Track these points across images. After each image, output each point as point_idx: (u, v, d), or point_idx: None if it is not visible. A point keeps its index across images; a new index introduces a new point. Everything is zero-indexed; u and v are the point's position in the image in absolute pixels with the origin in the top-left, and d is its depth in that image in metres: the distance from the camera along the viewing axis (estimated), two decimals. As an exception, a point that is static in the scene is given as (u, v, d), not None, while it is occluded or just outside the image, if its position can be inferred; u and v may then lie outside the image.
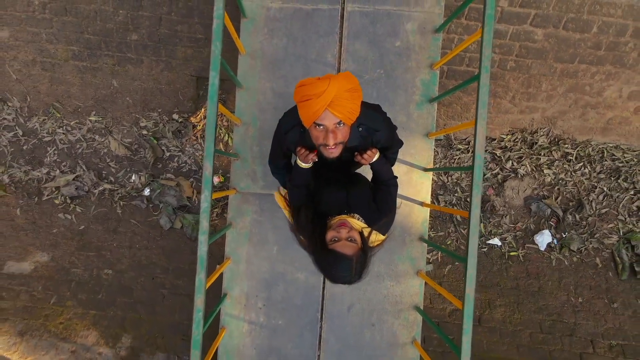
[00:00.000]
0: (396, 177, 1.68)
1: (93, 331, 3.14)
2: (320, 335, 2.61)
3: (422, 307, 2.61)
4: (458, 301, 1.98)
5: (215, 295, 2.72)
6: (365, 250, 1.40)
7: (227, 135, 3.63)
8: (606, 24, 3.08)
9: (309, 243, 1.46)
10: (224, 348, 2.59)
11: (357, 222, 1.47)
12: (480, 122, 1.89)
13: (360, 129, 1.51)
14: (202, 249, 1.88)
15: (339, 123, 1.34)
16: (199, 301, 1.89)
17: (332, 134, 1.34)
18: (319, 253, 1.41)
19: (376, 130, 1.53)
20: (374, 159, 1.55)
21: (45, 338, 3.08)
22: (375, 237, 1.54)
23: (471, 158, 3.62)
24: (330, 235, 1.42)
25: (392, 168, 1.78)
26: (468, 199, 3.66)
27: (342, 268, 1.36)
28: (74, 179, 3.70)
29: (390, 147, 1.69)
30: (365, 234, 1.48)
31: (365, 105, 1.52)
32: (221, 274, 2.59)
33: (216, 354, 2.61)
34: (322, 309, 2.62)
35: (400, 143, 1.80)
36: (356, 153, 1.55)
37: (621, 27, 3.09)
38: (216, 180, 3.69)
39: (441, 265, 3.62)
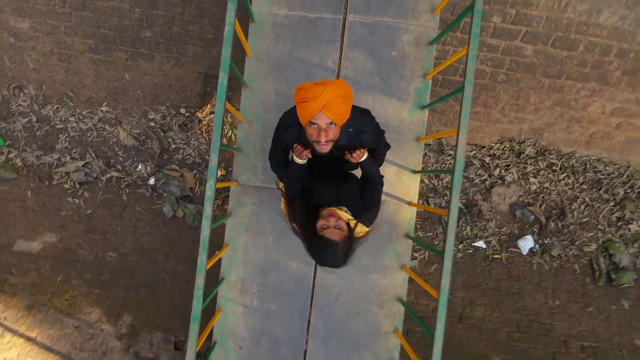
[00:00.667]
0: (382, 177, 1.88)
1: (96, 309, 3.33)
2: (309, 321, 2.80)
3: (405, 300, 2.81)
4: (435, 291, 2.18)
5: (213, 280, 2.91)
6: (351, 238, 1.60)
7: (230, 130, 3.83)
8: (592, 44, 3.28)
9: (301, 230, 1.66)
10: (219, 328, 2.79)
11: (344, 214, 1.67)
12: (462, 130, 2.09)
13: (350, 129, 1.71)
14: (205, 233, 2.08)
15: (330, 123, 1.54)
16: (200, 279, 2.08)
17: (324, 132, 1.55)
18: (310, 239, 1.61)
19: (364, 132, 1.73)
20: (363, 158, 1.75)
21: (51, 313, 3.27)
22: (361, 229, 1.74)
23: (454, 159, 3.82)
24: (320, 223, 1.62)
25: (380, 168, 1.97)
26: (456, 203, 3.85)
27: (329, 252, 1.56)
28: (83, 166, 3.89)
29: (377, 149, 1.89)
30: (352, 225, 1.67)
31: (356, 109, 1.72)
32: (219, 260, 2.78)
33: (211, 333, 2.80)
34: (312, 297, 2.81)
35: (388, 146, 2.00)
36: (346, 152, 1.75)
37: (606, 47, 3.29)
38: (218, 173, 3.88)
39: (427, 264, 3.81)
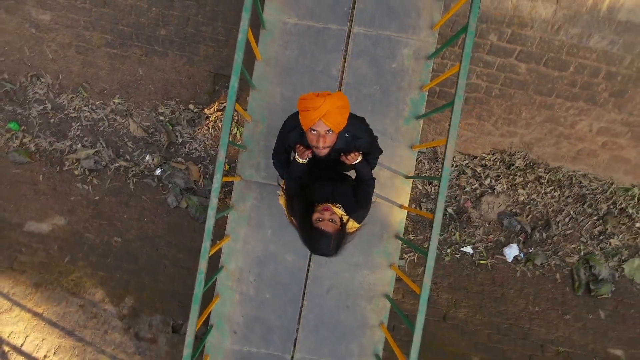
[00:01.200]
0: (374, 179, 2.07)
1: (100, 290, 3.51)
2: (301, 311, 2.99)
3: (391, 296, 2.99)
4: (417, 287, 2.37)
5: (213, 268, 3.09)
6: (342, 231, 1.79)
7: (236, 128, 4.01)
8: (582, 66, 3.48)
9: (298, 223, 1.85)
10: (216, 313, 2.97)
11: (338, 210, 1.86)
12: (451, 140, 2.28)
13: (347, 135, 1.90)
14: (210, 222, 2.27)
15: (328, 130, 1.73)
16: (203, 265, 2.27)
17: (323, 138, 1.74)
18: (306, 230, 1.80)
19: (359, 137, 1.93)
20: (357, 161, 1.94)
21: (58, 292, 3.45)
22: (352, 224, 1.93)
23: (451, 169, 4.02)
24: (315, 216, 1.81)
25: (374, 171, 2.16)
26: (445, 207, 4.05)
27: (322, 242, 1.76)
28: (93, 154, 4.07)
29: (371, 153, 2.08)
30: (344, 220, 1.86)
31: (353, 116, 1.92)
32: (220, 249, 2.97)
33: (209, 317, 2.98)
34: (304, 289, 2.99)
35: (380, 151, 2.19)
36: (342, 154, 1.94)
37: (595, 70, 3.49)
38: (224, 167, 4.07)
39: (416, 265, 4.00)
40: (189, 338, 2.30)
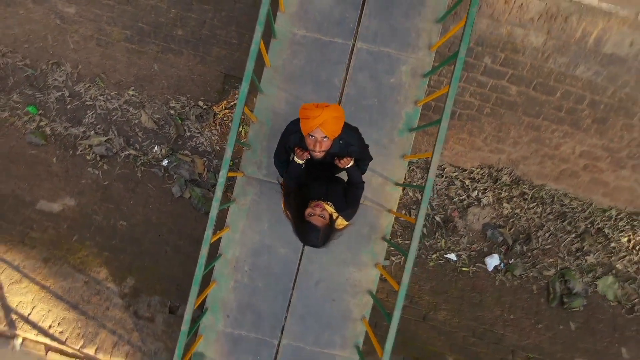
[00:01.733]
0: (364, 182, 2.32)
1: (104, 269, 3.75)
2: (290, 301, 3.23)
3: (375, 293, 3.23)
4: (396, 284, 2.61)
5: (212, 256, 3.33)
6: (331, 227, 2.04)
7: (242, 127, 4.26)
8: (568, 92, 3.73)
9: (292, 216, 2.09)
10: (212, 297, 3.21)
11: (329, 207, 2.10)
12: (436, 155, 2.52)
13: (341, 142, 2.15)
14: (214, 212, 2.51)
15: (324, 137, 1.98)
16: (205, 250, 2.51)
17: (319, 143, 1.99)
18: (299, 223, 2.05)
19: (352, 144, 2.18)
20: (349, 165, 2.19)
21: (65, 268, 3.69)
22: (341, 222, 2.17)
23: (439, 177, 4.27)
24: (307, 211, 2.06)
25: (367, 177, 2.41)
26: (433, 215, 4.30)
27: (312, 234, 2.00)
28: (105, 141, 4.31)
29: (362, 159, 2.33)
30: (334, 217, 2.11)
31: (347, 126, 2.16)
32: (219, 238, 3.21)
33: (204, 301, 3.22)
34: (295, 280, 3.23)
35: (370, 158, 2.44)
36: (336, 158, 2.19)
37: (580, 97, 3.74)
38: (226, 163, 4.31)
39: (402, 268, 4.23)
40: (187, 316, 2.54)
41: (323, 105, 1.93)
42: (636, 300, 4.28)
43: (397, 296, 2.51)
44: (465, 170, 4.29)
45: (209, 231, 2.51)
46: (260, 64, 3.24)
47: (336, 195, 2.26)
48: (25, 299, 3.59)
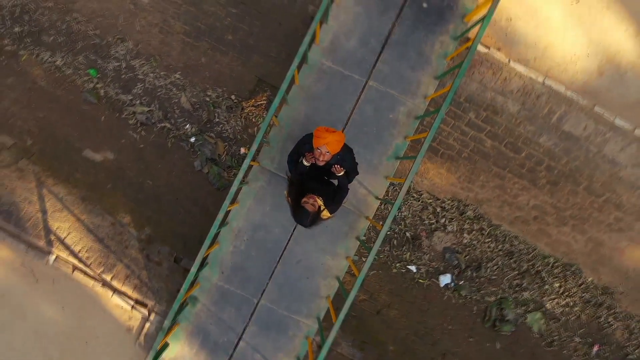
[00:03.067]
0: (349, 189, 3.14)
1: (128, 216, 4.54)
2: (274, 272, 4.02)
3: (341, 279, 4.04)
4: (357, 270, 3.42)
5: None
6: (318, 214, 2.87)
7: (261, 121, 5.05)
8: (531, 154, 4.55)
9: (292, 201, 2.92)
10: (213, 255, 4.00)
11: (319, 200, 2.92)
12: (407, 182, 3.34)
13: (339, 156, 2.98)
14: (234, 188, 3.32)
15: (327, 152, 2.81)
16: (220, 215, 3.32)
17: (323, 155, 2.82)
18: (295, 207, 2.87)
19: (345, 160, 3.01)
20: (340, 174, 3.01)
21: (97, 208, 4.48)
22: (326, 213, 2.99)
23: (416, 201, 5.07)
24: (304, 200, 2.88)
25: (354, 188, 3.23)
26: (405, 231, 5.11)
27: (304, 216, 2.83)
28: (147, 111, 5.11)
29: (351, 172, 3.16)
30: (321, 208, 2.93)
31: (346, 146, 3.00)
32: (228, 211, 4.00)
33: (206, 258, 4.01)
34: (281, 256, 4.02)
35: (357, 173, 3.26)
36: (333, 166, 3.01)
37: (540, 160, 4.56)
38: (243, 150, 5.13)
39: (370, 270, 5.05)
40: (197, 260, 3.34)
41: (331, 130, 2.76)
42: (556, 337, 5.10)
43: (365, 293, 3.31)
44: (439, 199, 5.11)
45: (226, 202, 3.32)
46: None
47: (326, 193, 3.08)
48: (63, 225, 4.37)
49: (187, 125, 5.14)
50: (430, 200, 5.13)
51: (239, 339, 4.02)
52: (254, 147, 3.31)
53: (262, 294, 4.03)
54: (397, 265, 5.08)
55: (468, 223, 5.09)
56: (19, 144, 4.78)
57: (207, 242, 3.33)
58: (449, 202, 5.10)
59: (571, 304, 5.08)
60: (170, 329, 3.68)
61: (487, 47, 4.26)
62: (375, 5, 4.02)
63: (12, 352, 4.08)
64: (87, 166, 4.75)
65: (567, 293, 5.09)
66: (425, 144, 3.32)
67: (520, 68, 4.21)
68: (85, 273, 4.26)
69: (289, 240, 4.04)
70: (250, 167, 3.83)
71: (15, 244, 4.33)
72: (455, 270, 5.14)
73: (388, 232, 5.05)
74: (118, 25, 5.05)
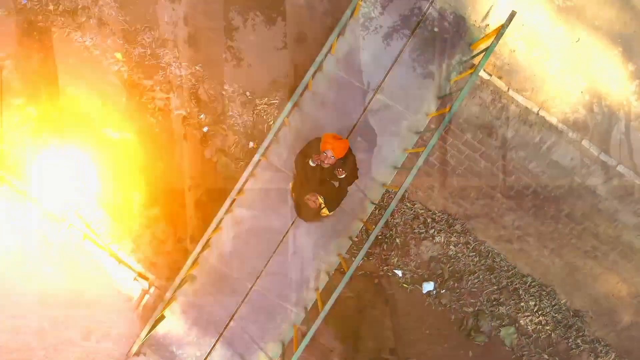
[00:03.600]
0: (347, 191, 3.45)
1: (139, 195, 4.89)
2: (269, 260, 4.32)
3: (331, 275, 4.34)
4: (347, 266, 3.72)
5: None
6: (317, 211, 3.17)
7: (273, 121, 5.37)
8: (520, 178, 4.87)
9: (295, 196, 3.23)
10: (215, 238, 4.29)
11: (320, 199, 3.24)
12: (401, 190, 3.64)
13: (342, 161, 3.29)
14: (242, 179, 3.62)
15: (332, 156, 3.12)
16: (227, 202, 3.62)
17: (328, 158, 3.14)
18: (299, 202, 3.18)
19: (347, 165, 3.32)
20: (342, 176, 3.32)
21: (111, 185, 4.83)
22: (325, 212, 3.30)
23: (409, 210, 5.38)
24: (306, 197, 3.18)
25: (352, 192, 3.54)
26: (395, 237, 5.41)
27: (304, 211, 3.13)
28: (165, 98, 5.41)
29: (351, 176, 3.47)
30: (322, 206, 3.24)
31: (349, 152, 3.31)
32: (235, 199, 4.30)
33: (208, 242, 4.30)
34: (277, 247, 4.33)
35: (357, 177, 3.58)
36: (336, 169, 3.32)
37: (527, 184, 4.88)
38: (252, 144, 5.43)
39: (357, 270, 5.36)
40: (203, 240, 3.64)
41: (338, 137, 3.08)
42: (526, 352, 5.41)
43: (351, 289, 3.61)
44: (430, 210, 5.42)
45: (234, 193, 3.62)
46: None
47: (327, 193, 3.39)
48: (78, 197, 4.69)
49: (202, 115, 5.44)
50: (422, 211, 5.43)
51: (230, 319, 4.32)
52: (265, 142, 3.62)
53: (256, 280, 4.33)
54: (385, 268, 5.39)
55: (455, 236, 5.40)
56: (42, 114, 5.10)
57: (212, 226, 3.63)
58: (440, 214, 5.40)
59: (543, 322, 5.39)
60: (170, 300, 3.99)
61: (490, 74, 4.58)
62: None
63: (18, 309, 4.38)
64: (106, 144, 5.05)
65: (540, 312, 5.40)
66: (422, 158, 3.62)
67: (517, 97, 4.53)
68: (94, 242, 4.57)
69: (286, 233, 4.33)
70: (259, 161, 4.14)
71: (34, 209, 4.64)
72: (439, 279, 5.45)
73: (379, 237, 5.35)
74: (148, 15, 5.35)
